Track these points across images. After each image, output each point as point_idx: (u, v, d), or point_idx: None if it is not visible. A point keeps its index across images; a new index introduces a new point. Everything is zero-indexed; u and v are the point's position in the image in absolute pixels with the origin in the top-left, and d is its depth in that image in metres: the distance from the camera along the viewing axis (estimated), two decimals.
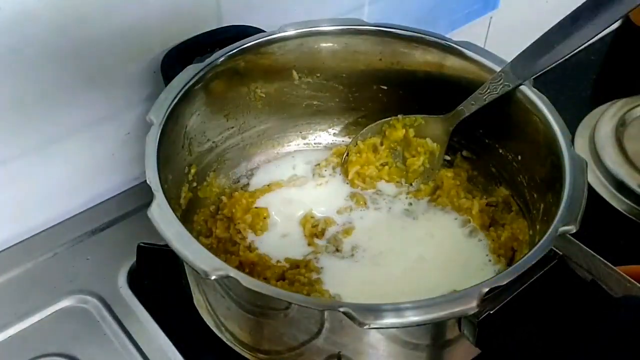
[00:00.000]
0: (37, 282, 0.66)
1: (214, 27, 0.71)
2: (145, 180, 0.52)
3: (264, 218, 0.67)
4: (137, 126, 0.72)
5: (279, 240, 0.66)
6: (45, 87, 0.63)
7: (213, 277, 0.45)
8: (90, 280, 0.66)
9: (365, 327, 0.43)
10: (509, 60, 0.62)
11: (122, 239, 0.70)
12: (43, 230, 0.71)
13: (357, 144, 0.72)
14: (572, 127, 0.82)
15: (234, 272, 0.45)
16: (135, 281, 0.67)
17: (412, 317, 0.43)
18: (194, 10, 0.69)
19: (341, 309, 0.43)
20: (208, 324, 0.59)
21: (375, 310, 0.43)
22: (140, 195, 0.74)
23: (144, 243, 0.66)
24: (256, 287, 0.45)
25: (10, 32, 0.58)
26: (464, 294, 0.44)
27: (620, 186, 0.75)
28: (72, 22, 0.61)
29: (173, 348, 0.61)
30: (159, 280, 0.66)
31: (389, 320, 0.43)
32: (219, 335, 0.59)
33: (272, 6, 0.75)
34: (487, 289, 0.44)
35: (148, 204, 0.50)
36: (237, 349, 0.57)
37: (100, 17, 0.62)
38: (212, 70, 0.63)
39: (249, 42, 0.65)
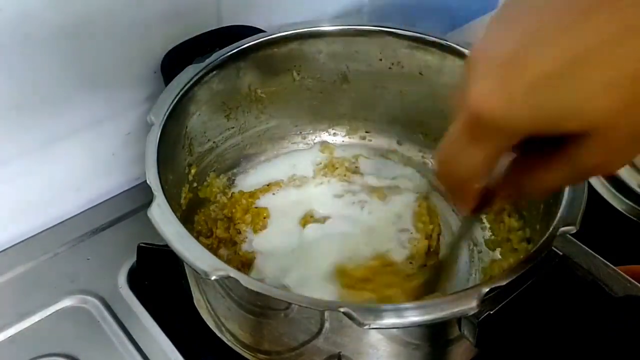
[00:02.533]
0: (37, 282, 0.66)
1: (214, 28, 0.71)
2: (145, 180, 0.52)
3: (264, 218, 0.67)
4: (138, 126, 0.72)
5: (279, 240, 0.66)
6: (46, 87, 0.63)
7: (213, 278, 0.45)
8: (91, 280, 0.66)
9: (365, 328, 0.43)
10: None
11: (122, 239, 0.70)
12: (43, 230, 0.71)
13: None
14: None
15: (234, 273, 0.45)
16: (136, 281, 0.67)
17: (412, 318, 0.43)
18: (195, 11, 0.69)
19: (341, 309, 0.43)
20: (208, 324, 0.59)
21: (375, 311, 0.43)
22: (140, 195, 0.73)
23: (144, 243, 0.65)
24: (256, 288, 0.45)
25: (11, 33, 0.58)
26: (464, 294, 0.44)
27: (620, 186, 0.75)
28: (72, 22, 0.61)
29: (173, 348, 0.61)
30: (159, 280, 0.66)
31: (389, 320, 0.43)
32: (219, 335, 0.59)
33: (272, 6, 0.75)
34: (487, 289, 0.44)
35: (148, 204, 0.50)
36: (237, 349, 0.57)
37: (101, 17, 0.62)
38: (212, 71, 0.63)
39: (249, 42, 0.65)
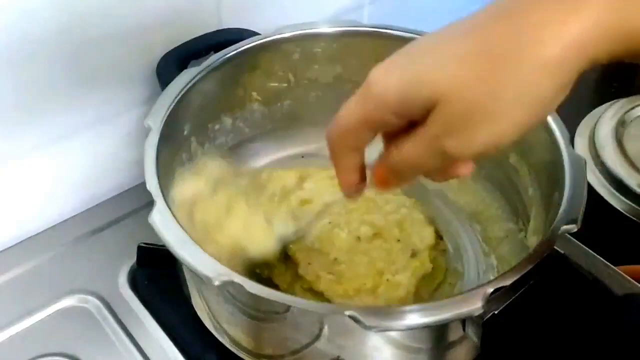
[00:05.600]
0: (37, 282, 0.66)
1: (213, 30, 0.71)
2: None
3: None
4: (138, 126, 0.72)
5: None
6: (45, 88, 0.63)
7: (217, 283, 0.45)
8: (91, 280, 0.66)
9: (371, 331, 0.42)
10: None
11: (122, 239, 0.70)
12: (43, 230, 0.71)
13: None
14: (572, 127, 0.82)
15: (237, 278, 0.45)
16: (136, 281, 0.67)
17: (418, 320, 0.43)
18: (195, 12, 0.69)
19: (347, 313, 0.43)
20: (207, 327, 0.59)
21: (380, 314, 0.43)
22: (140, 195, 0.72)
23: (144, 243, 0.65)
24: (260, 293, 0.45)
25: (11, 33, 0.58)
26: (469, 295, 0.44)
27: (620, 186, 0.75)
28: (72, 23, 0.61)
29: (173, 347, 0.61)
30: (159, 280, 0.66)
31: (394, 322, 0.43)
32: (218, 337, 0.58)
33: (272, 8, 0.75)
34: (491, 290, 0.44)
35: (148, 204, 0.50)
36: (235, 350, 0.57)
37: (101, 17, 0.62)
38: (208, 75, 0.63)
39: (244, 45, 0.65)
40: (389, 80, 0.39)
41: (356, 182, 0.44)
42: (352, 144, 0.42)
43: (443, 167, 0.41)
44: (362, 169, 0.44)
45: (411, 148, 0.39)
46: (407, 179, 0.42)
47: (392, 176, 0.42)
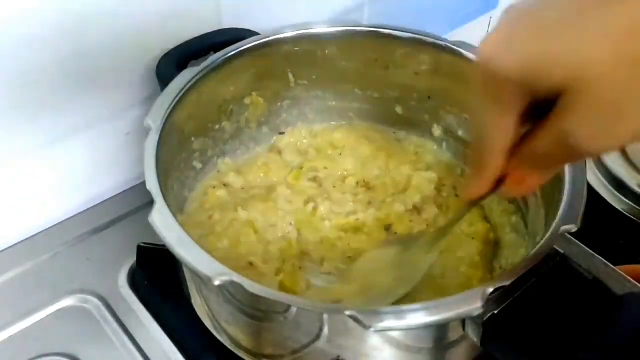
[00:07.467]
0: (37, 282, 0.66)
1: (213, 30, 0.71)
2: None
3: None
4: (138, 126, 0.72)
5: None
6: (46, 88, 0.63)
7: (217, 283, 0.45)
8: (91, 280, 0.66)
9: (370, 330, 0.42)
10: None
11: (122, 239, 0.70)
12: (43, 230, 0.71)
13: None
14: None
15: (237, 277, 0.45)
16: (136, 281, 0.67)
17: (418, 319, 0.43)
18: (195, 12, 0.69)
19: (347, 312, 0.43)
20: (207, 327, 0.59)
21: (381, 313, 0.43)
22: (141, 195, 0.73)
23: (144, 243, 0.66)
24: (260, 292, 0.45)
25: (11, 33, 0.58)
26: (469, 295, 0.44)
27: (620, 186, 0.75)
28: (72, 23, 0.61)
29: (173, 347, 0.61)
30: (159, 280, 0.66)
31: (394, 322, 0.43)
32: (218, 337, 0.58)
33: (273, 8, 0.75)
34: (491, 289, 0.44)
35: (148, 203, 0.50)
36: (235, 350, 0.57)
37: (101, 18, 0.62)
38: (208, 75, 0.63)
39: (245, 45, 0.65)
40: (509, 57, 0.33)
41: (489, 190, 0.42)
42: (495, 141, 0.38)
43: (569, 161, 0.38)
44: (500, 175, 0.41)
45: (540, 143, 0.35)
46: (542, 176, 0.39)
47: (527, 173, 0.39)
